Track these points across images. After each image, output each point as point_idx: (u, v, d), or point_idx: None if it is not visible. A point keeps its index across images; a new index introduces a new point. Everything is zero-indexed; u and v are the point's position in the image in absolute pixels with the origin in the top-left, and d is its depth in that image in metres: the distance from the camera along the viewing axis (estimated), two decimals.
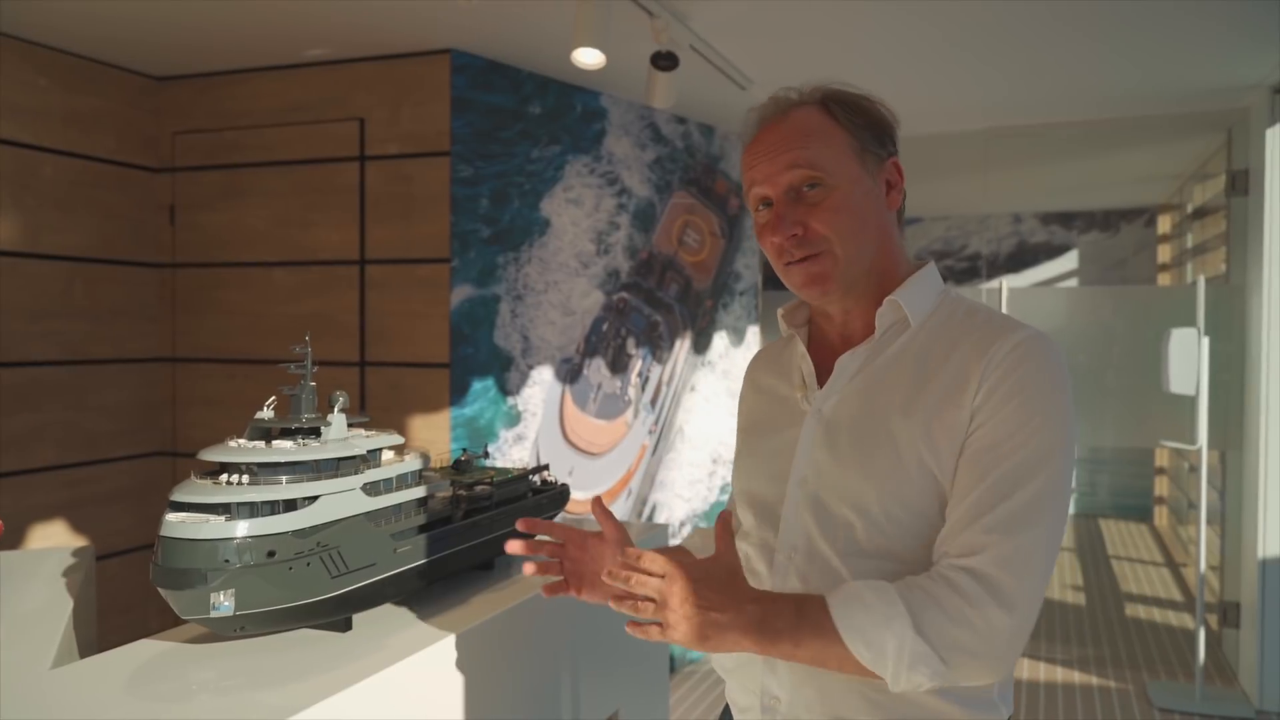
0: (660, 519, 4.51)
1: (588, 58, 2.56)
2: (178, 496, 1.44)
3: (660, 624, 1.07)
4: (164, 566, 1.40)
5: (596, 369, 4.11)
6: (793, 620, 1.08)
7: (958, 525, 1.12)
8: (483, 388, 3.59)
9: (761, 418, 1.37)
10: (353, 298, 3.58)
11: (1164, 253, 7.69)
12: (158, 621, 3.82)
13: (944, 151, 5.40)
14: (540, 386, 3.83)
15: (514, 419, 3.73)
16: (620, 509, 4.26)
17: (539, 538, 1.39)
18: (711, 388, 4.87)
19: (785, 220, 1.22)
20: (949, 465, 1.15)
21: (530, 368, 3.78)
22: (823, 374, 1.29)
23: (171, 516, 1.42)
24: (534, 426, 3.82)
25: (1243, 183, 4.40)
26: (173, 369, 3.84)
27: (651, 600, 1.08)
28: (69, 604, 1.77)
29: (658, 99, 3.09)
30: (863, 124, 1.25)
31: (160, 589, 1.41)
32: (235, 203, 3.73)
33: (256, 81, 3.68)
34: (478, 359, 3.55)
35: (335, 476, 1.54)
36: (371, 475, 1.61)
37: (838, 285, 1.23)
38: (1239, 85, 4.09)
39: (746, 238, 5.04)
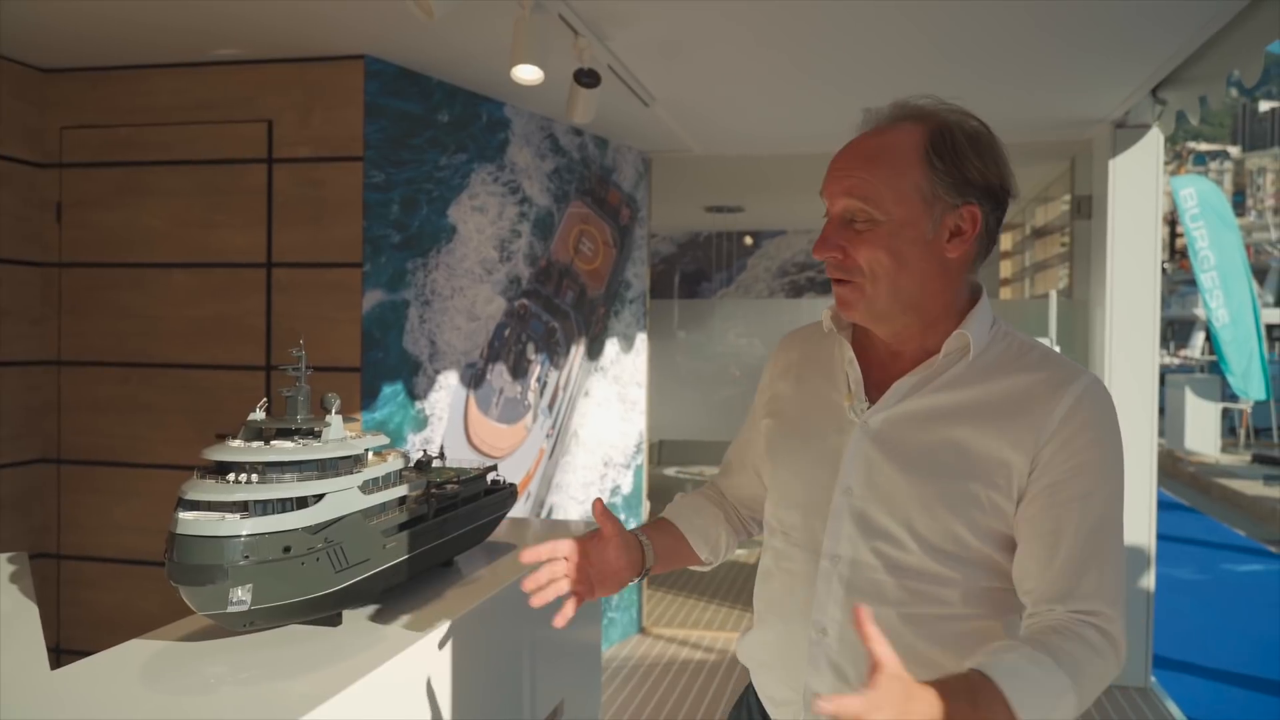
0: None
1: (526, 74, 2.64)
2: (190, 495, 1.46)
3: None
4: (181, 563, 1.42)
5: (499, 374, 4.18)
6: (969, 712, 1.08)
7: (1065, 575, 1.21)
8: (392, 392, 3.60)
9: (803, 415, 1.40)
10: (259, 301, 3.53)
11: (1005, 268, 8.30)
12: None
13: (806, 169, 5.72)
14: (446, 391, 3.87)
15: (421, 423, 3.75)
16: (519, 511, 4.33)
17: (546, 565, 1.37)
18: (604, 392, 5.00)
19: (828, 242, 1.26)
20: (1012, 501, 1.23)
21: (437, 372, 3.81)
22: (868, 385, 1.32)
23: (185, 515, 1.45)
24: (440, 430, 3.85)
25: (1086, 207, 4.87)
26: (58, 373, 3.68)
27: None
28: (34, 608, 1.74)
29: (578, 114, 3.20)
30: (952, 170, 1.23)
31: (176, 585, 1.44)
32: (131, 201, 3.61)
33: (157, 78, 3.58)
34: (388, 363, 3.57)
35: (337, 475, 1.59)
36: (366, 474, 1.67)
37: (864, 314, 1.27)
38: (1084, 119, 4.53)
39: (636, 247, 5.21)
